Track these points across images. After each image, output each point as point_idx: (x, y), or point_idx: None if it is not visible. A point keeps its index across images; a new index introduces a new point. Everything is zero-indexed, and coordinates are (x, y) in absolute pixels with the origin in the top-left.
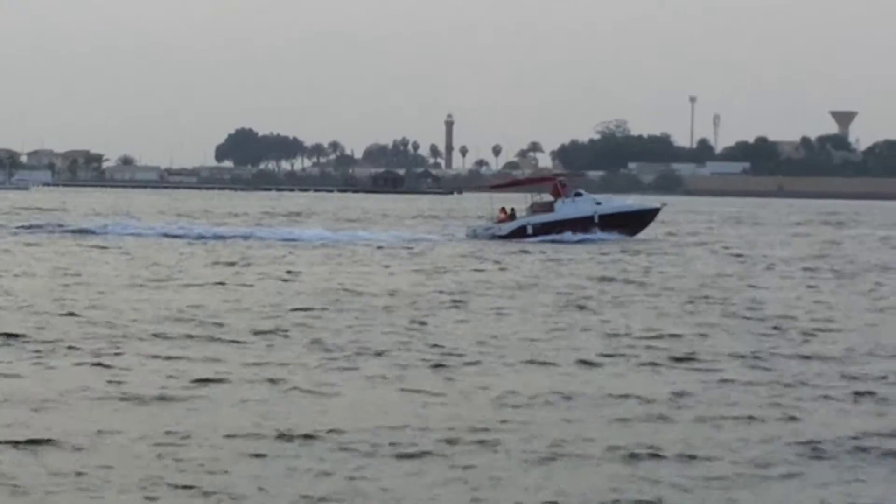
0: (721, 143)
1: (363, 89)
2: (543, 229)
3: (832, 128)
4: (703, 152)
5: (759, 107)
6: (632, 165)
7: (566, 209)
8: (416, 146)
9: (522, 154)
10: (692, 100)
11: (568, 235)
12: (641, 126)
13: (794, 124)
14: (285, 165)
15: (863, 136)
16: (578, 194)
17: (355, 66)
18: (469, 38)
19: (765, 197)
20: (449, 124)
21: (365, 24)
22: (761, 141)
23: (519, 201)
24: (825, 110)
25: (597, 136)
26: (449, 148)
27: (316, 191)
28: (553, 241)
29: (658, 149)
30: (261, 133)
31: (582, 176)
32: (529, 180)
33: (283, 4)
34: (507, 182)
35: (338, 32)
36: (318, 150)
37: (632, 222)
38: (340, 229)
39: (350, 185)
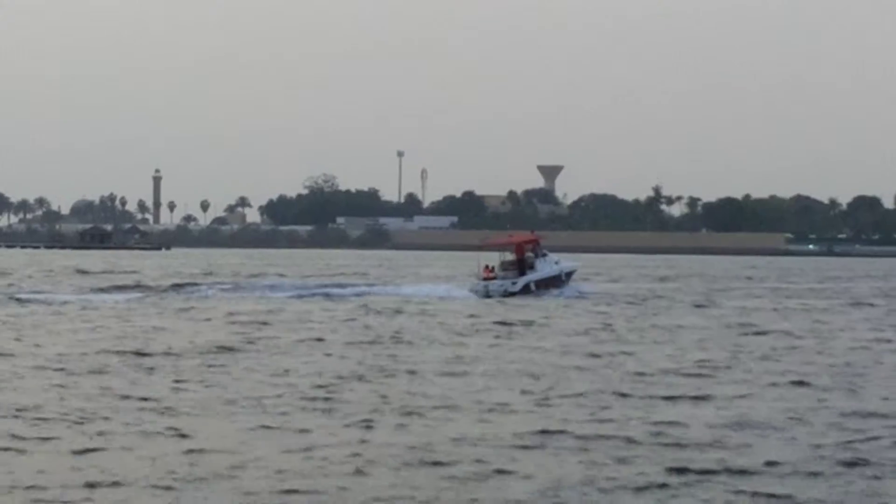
0: (429, 197)
1: (71, 144)
2: (541, 285)
3: (539, 182)
4: (411, 206)
5: (465, 161)
6: (340, 220)
7: (547, 268)
8: (123, 202)
9: (230, 209)
10: (400, 154)
11: (552, 290)
12: (349, 181)
13: (501, 178)
14: None
15: (569, 190)
16: (544, 254)
17: (60, 122)
18: (173, 94)
19: (473, 251)
20: (157, 179)
21: (71, 81)
22: (468, 195)
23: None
24: (532, 164)
25: (305, 191)
26: (157, 203)
27: (22, 247)
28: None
29: (366, 203)
30: None
31: (543, 238)
32: (518, 240)
33: None
34: (497, 241)
35: (43, 87)
36: (24, 206)
37: (572, 277)
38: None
39: (57, 241)
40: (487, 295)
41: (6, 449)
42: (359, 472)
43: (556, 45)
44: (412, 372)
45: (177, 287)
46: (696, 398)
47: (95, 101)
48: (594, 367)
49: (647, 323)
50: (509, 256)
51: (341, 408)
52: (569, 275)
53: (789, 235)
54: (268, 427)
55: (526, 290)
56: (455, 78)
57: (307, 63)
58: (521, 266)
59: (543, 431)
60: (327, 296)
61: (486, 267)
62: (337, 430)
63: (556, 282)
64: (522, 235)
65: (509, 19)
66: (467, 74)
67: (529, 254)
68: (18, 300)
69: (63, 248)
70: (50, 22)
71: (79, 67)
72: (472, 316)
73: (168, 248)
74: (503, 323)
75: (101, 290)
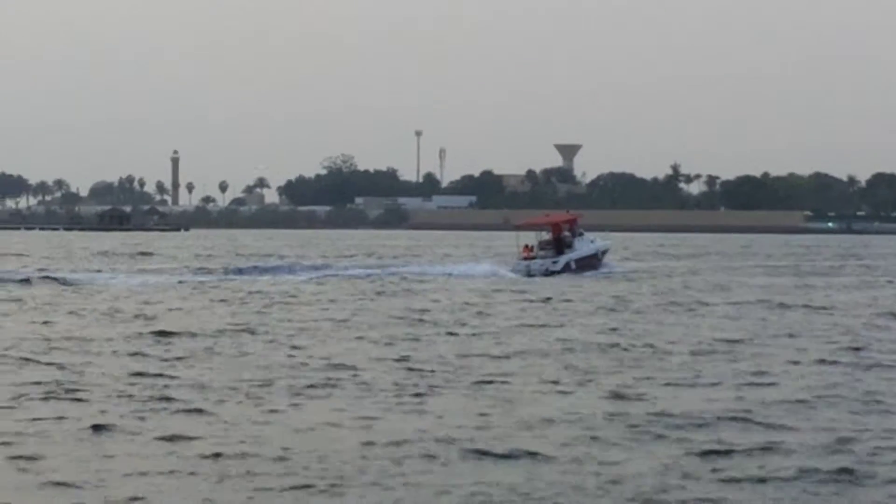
0: (447, 177)
1: (89, 126)
2: (580, 264)
3: (557, 161)
4: (429, 186)
5: (484, 141)
6: (358, 200)
7: (586, 247)
8: (142, 183)
9: (249, 190)
10: (418, 134)
11: (591, 269)
12: (368, 161)
13: (519, 158)
14: (10, 203)
15: (587, 169)
16: (581, 234)
17: (79, 104)
18: (191, 76)
19: (491, 230)
20: (175, 161)
21: (89, 63)
22: (487, 174)
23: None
24: (549, 143)
25: (323, 172)
26: (175, 184)
27: (41, 229)
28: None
29: (385, 183)
30: None
31: (581, 216)
32: (556, 219)
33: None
34: (536, 221)
35: (61, 69)
36: (43, 188)
37: (606, 256)
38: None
39: (76, 222)
40: (529, 274)
41: (22, 426)
42: (372, 450)
43: (575, 23)
44: (437, 352)
45: (202, 270)
46: (719, 376)
47: (114, 82)
48: (616, 346)
49: (668, 300)
50: (545, 236)
51: (360, 387)
52: (604, 253)
53: (808, 213)
54: (283, 407)
55: (566, 269)
56: (472, 57)
57: (324, 43)
58: (559, 245)
59: (564, 411)
60: (374, 275)
61: (526, 246)
62: (354, 409)
63: (593, 260)
64: (560, 215)
65: None
66: (484, 53)
67: (567, 233)
68: (37, 281)
69: (82, 229)
70: (69, 4)
71: (97, 49)
72: (502, 293)
73: (187, 229)
74: (535, 301)
75: (120, 271)
